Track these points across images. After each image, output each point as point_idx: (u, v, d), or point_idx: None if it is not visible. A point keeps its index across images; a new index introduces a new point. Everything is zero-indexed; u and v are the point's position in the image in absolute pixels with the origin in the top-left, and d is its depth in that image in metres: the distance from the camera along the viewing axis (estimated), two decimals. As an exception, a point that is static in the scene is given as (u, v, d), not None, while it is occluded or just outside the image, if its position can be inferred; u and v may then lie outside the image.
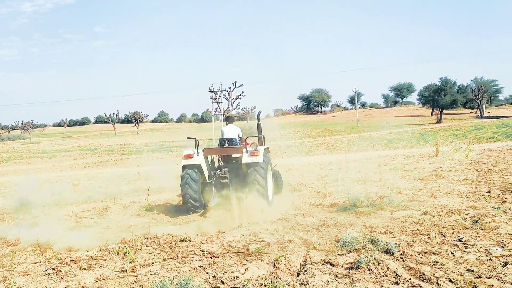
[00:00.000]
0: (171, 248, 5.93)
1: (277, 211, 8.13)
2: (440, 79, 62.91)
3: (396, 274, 4.56)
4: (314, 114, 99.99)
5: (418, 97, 73.83)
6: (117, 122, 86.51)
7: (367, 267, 4.76)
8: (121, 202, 10.68)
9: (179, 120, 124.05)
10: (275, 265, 5.07)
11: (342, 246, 5.59)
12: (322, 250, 5.57)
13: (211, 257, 5.42)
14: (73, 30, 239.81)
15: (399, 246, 5.38)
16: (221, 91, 38.75)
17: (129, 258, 5.50)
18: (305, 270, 4.84)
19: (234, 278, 4.74)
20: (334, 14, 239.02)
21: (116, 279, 4.87)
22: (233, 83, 42.75)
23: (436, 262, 4.83)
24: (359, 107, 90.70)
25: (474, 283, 4.21)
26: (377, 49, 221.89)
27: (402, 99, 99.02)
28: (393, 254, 5.17)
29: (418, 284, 4.29)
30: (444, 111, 62.73)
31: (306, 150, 27.00)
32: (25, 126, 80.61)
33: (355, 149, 25.33)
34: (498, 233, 5.77)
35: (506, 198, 7.87)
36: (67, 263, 5.48)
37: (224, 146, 9.08)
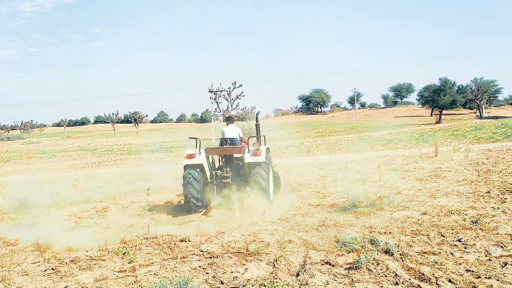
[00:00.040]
0: (170, 248, 5.93)
1: (276, 211, 8.14)
2: (439, 79, 63.09)
3: (396, 274, 4.56)
4: (313, 114, 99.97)
5: (418, 97, 74.00)
6: (117, 122, 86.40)
7: (366, 268, 4.76)
8: (120, 202, 10.68)
9: (179, 120, 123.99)
10: (274, 266, 5.07)
11: (341, 247, 5.59)
12: (322, 251, 5.57)
13: (210, 257, 5.42)
14: (73, 30, 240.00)
15: (398, 246, 5.38)
16: (221, 91, 38.76)
17: (128, 258, 5.49)
18: (305, 271, 4.84)
19: (234, 278, 4.74)
20: (334, 14, 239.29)
21: (115, 279, 4.87)
22: (232, 83, 42.90)
23: (436, 262, 4.83)
24: (359, 108, 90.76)
25: (474, 283, 4.21)
26: (377, 49, 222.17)
27: (401, 100, 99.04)
28: (392, 254, 5.17)
29: (418, 284, 4.29)
30: (444, 112, 62.78)
31: (306, 150, 27.01)
32: (24, 126, 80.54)
33: (354, 149, 25.35)
34: (497, 234, 5.77)
35: (505, 199, 7.87)
36: (66, 263, 5.48)
37: (226, 146, 9.11)
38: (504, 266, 4.61)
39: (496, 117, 55.67)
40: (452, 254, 5.11)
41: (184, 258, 5.47)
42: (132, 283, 4.71)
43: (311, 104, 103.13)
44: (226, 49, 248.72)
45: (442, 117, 60.11)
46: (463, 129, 34.77)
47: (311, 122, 79.67)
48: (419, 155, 17.10)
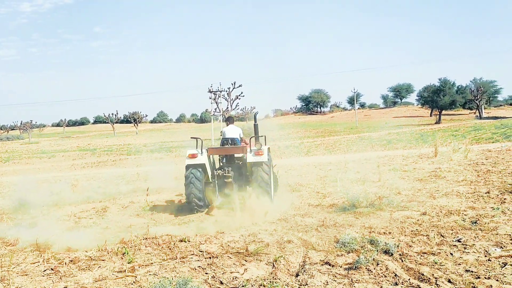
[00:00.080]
0: (170, 249, 5.93)
1: (276, 211, 8.14)
2: (439, 79, 62.98)
3: (395, 275, 4.56)
4: (313, 114, 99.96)
5: (417, 97, 73.90)
6: (116, 122, 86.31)
7: (366, 268, 4.76)
8: (120, 203, 10.68)
9: (178, 120, 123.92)
10: (274, 266, 5.07)
11: (341, 247, 5.59)
12: (321, 251, 5.57)
13: (210, 258, 5.42)
14: (72, 30, 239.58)
15: (398, 246, 5.39)
16: (220, 91, 38.73)
17: (128, 259, 5.49)
18: (304, 271, 4.84)
19: (233, 278, 4.74)
20: (334, 14, 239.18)
21: (115, 279, 4.86)
22: (232, 84, 42.86)
23: (435, 263, 4.84)
24: (358, 108, 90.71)
25: (473, 283, 4.21)
26: (376, 49, 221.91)
27: (401, 100, 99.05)
28: (392, 254, 5.17)
29: (417, 285, 4.29)
30: (443, 112, 62.77)
31: (305, 151, 27.01)
32: (24, 126, 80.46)
33: (354, 149, 25.34)
34: (497, 234, 5.78)
35: (505, 199, 7.88)
36: (66, 263, 5.48)
37: (227, 146, 9.14)
38: (504, 266, 4.61)
39: (496, 118, 55.68)
40: (451, 254, 5.11)
41: (183, 258, 5.47)
42: (132, 283, 4.70)
43: (311, 104, 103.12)
44: (226, 49, 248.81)
45: (442, 117, 60.10)
46: (462, 130, 34.77)
47: (311, 122, 79.68)
48: (419, 155, 17.10)
